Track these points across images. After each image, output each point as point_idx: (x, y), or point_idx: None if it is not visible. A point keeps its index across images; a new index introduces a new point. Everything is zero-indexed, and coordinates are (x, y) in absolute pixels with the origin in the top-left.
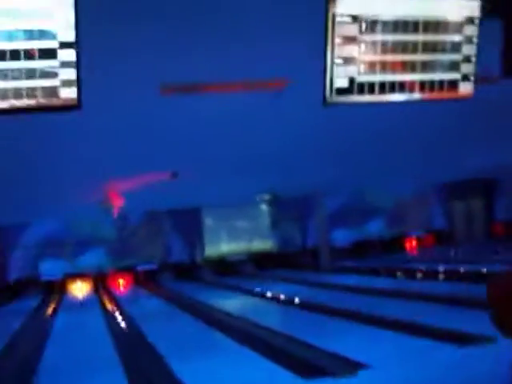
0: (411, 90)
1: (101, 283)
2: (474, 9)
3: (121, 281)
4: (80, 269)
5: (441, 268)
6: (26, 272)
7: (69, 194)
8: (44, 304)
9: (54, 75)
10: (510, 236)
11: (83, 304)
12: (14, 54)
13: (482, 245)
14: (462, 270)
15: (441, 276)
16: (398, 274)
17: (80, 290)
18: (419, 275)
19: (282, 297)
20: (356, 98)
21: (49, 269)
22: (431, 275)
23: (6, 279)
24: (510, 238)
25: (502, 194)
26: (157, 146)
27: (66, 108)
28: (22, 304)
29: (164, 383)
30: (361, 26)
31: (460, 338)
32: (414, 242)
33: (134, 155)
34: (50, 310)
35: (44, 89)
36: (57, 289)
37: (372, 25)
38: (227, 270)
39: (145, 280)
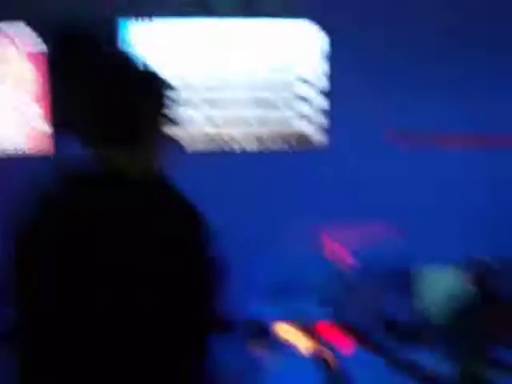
0: None
1: (312, 334)
2: None
3: (335, 335)
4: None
5: None
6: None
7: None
8: (250, 344)
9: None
10: None
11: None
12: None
13: None
14: None
15: None
16: None
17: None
18: None
19: None
20: None
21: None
22: None
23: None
24: None
25: None
26: (374, 198)
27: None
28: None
29: None
30: None
31: None
32: None
33: (351, 204)
34: (258, 352)
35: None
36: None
37: None
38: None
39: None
